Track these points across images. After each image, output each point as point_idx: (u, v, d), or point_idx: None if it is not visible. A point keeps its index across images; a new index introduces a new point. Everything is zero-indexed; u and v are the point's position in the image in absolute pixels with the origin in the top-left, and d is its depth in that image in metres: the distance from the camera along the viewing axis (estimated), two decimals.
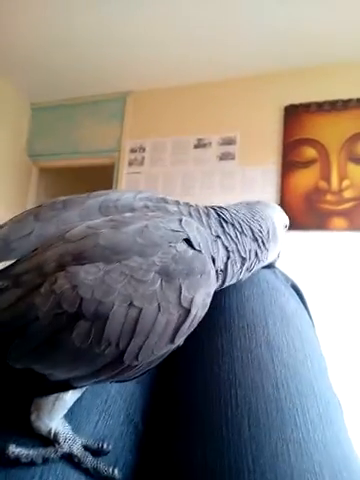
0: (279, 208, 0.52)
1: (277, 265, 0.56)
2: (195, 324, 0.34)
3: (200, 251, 0.35)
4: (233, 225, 0.43)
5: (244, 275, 0.46)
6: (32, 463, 0.33)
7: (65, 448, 0.35)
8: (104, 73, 2.95)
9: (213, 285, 0.36)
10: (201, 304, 0.34)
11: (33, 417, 0.35)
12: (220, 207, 0.46)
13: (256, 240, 0.45)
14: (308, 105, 2.61)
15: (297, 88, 2.66)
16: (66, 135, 3.29)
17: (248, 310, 0.46)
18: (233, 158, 2.76)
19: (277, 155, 2.64)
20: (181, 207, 0.41)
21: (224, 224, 0.43)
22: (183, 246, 0.34)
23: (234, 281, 0.45)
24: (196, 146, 2.87)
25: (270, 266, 0.54)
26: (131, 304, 0.30)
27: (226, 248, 0.41)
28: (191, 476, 0.36)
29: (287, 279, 0.55)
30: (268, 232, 0.47)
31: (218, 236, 0.41)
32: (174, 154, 2.92)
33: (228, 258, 0.42)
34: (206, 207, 0.44)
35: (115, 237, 0.32)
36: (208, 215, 0.43)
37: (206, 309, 0.35)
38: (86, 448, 0.36)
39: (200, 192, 2.78)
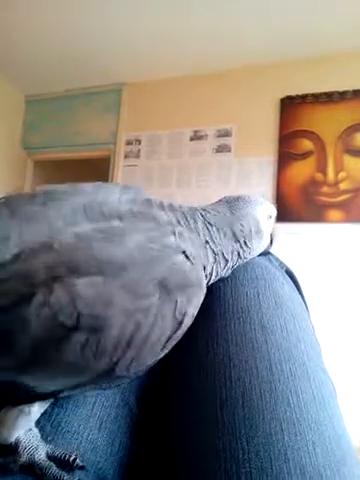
0: (261, 200, 0.51)
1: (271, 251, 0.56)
2: (183, 333, 0.34)
3: (194, 263, 0.35)
4: (218, 228, 0.44)
5: (226, 273, 0.46)
6: None
7: (23, 457, 0.33)
8: (99, 65, 2.92)
9: (203, 295, 0.37)
10: (191, 315, 0.34)
11: None
12: (203, 209, 0.45)
13: (238, 241, 0.45)
14: (304, 97, 2.60)
15: (293, 80, 2.65)
16: (61, 127, 3.27)
17: (242, 294, 0.47)
18: (229, 150, 2.75)
19: (273, 147, 2.64)
20: (169, 214, 0.40)
21: (210, 228, 0.43)
22: (179, 258, 0.34)
23: (216, 279, 0.45)
24: (192, 138, 2.86)
25: (265, 253, 0.55)
26: (129, 318, 0.30)
27: (213, 251, 0.42)
28: (186, 458, 0.37)
29: (281, 265, 0.56)
30: (250, 230, 0.47)
31: (207, 242, 0.41)
32: (170, 146, 2.91)
33: (214, 261, 0.42)
34: (191, 209, 0.44)
35: (111, 251, 0.31)
36: (195, 219, 0.42)
37: (193, 318, 0.35)
38: (51, 458, 0.34)
39: (196, 184, 2.78)
